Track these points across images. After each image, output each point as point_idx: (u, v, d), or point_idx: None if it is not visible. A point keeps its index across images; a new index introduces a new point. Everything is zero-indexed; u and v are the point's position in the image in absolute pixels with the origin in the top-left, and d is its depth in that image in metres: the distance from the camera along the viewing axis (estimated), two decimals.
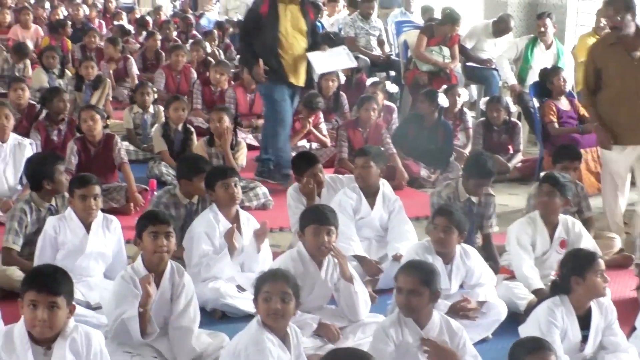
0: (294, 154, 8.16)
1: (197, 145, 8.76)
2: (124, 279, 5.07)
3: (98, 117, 8.24)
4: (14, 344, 4.13)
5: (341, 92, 11.14)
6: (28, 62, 12.57)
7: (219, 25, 16.30)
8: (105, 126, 8.45)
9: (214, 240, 6.12)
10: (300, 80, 9.22)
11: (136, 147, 9.99)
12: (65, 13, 17.30)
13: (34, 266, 5.46)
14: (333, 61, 9.50)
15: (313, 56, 9.14)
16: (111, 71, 12.76)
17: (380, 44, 13.62)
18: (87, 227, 5.96)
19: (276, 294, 4.44)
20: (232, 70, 12.65)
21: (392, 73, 13.42)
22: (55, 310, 4.07)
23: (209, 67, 12.21)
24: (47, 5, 18.40)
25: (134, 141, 10.05)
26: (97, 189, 5.93)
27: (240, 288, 6.00)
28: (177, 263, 5.25)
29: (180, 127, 9.30)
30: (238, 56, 13.49)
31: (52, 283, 4.12)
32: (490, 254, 6.74)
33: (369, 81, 11.07)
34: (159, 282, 5.09)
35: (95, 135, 8.20)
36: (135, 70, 13.06)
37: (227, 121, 8.65)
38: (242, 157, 8.86)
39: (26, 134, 8.65)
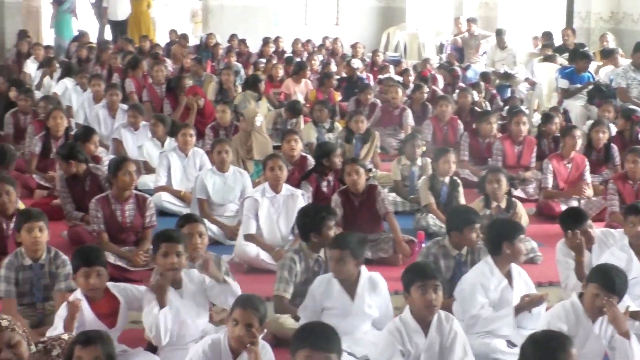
0: None
1: (475, 203, 8.50)
2: (391, 332, 5.12)
3: (362, 170, 8.36)
4: None
5: (612, 144, 10.79)
6: (301, 117, 12.97)
7: (484, 76, 16.24)
8: (368, 178, 8.54)
9: (488, 293, 6.06)
10: None
11: (403, 198, 10.06)
12: (335, 68, 17.76)
13: (305, 323, 5.56)
14: None
15: None
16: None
17: None
18: (352, 293, 6.03)
19: None
20: (499, 121, 12.53)
21: None
22: None
23: (476, 117, 12.14)
24: (319, 58, 18.98)
25: (401, 192, 10.12)
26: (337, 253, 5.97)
27: (511, 344, 5.89)
28: (444, 312, 5.25)
29: (447, 179, 9.29)
30: (506, 107, 13.37)
31: (326, 342, 4.25)
32: None
33: None
34: (427, 332, 5.12)
35: (358, 187, 8.33)
36: (410, 121, 13.15)
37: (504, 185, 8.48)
38: (524, 217, 8.63)
39: (297, 185, 8.91)
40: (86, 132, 9.95)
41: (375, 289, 6.10)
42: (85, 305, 5.64)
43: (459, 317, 5.89)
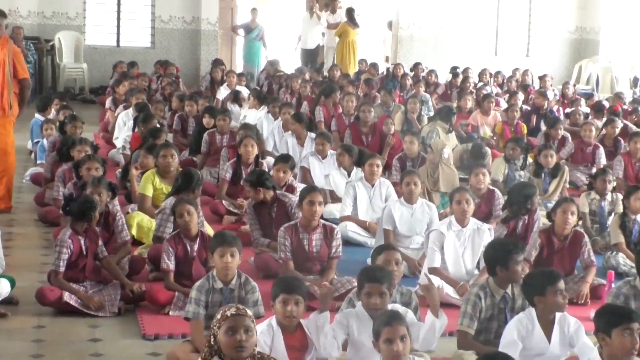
0: None
1: None
2: None
3: (575, 215, 8.22)
4: None
5: None
6: (489, 152, 12.83)
7: None
8: (576, 225, 8.37)
9: None
10: None
11: (589, 234, 9.79)
12: (522, 98, 17.50)
13: (485, 353, 5.51)
14: None
15: None
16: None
17: None
18: (549, 333, 5.95)
19: None
20: None
21: None
22: None
23: None
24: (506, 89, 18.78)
25: (587, 227, 9.84)
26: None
27: None
28: None
29: (639, 217, 9.00)
30: None
31: None
32: None
33: None
34: None
35: (565, 232, 8.20)
36: (603, 160, 12.86)
37: None
38: None
39: (483, 219, 8.81)
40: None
41: (569, 328, 6.01)
42: (278, 334, 5.74)
43: None
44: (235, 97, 16.66)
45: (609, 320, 5.08)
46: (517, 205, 8.93)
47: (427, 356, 6.08)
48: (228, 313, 4.87)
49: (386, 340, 5.05)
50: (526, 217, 9.00)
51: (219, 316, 4.91)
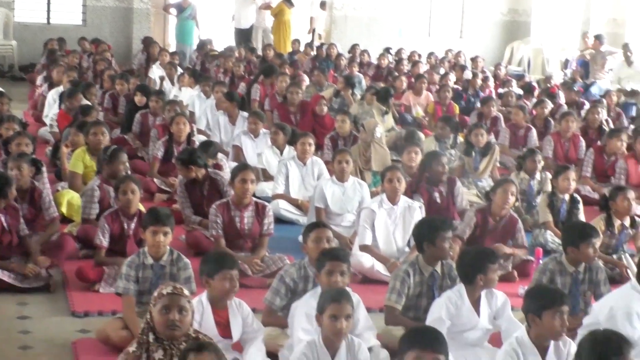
0: None
1: (595, 221, 8.28)
2: (507, 354, 5.11)
3: (513, 196, 8.33)
4: None
5: None
6: (420, 134, 12.87)
7: (608, 93, 15.92)
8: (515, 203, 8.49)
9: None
10: None
11: (518, 213, 9.91)
12: (454, 79, 17.64)
13: (412, 327, 5.57)
14: None
15: None
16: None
17: None
18: (477, 308, 6.01)
19: None
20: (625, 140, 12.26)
21: None
22: None
23: (603, 135, 11.90)
24: (442, 71, 18.89)
25: (516, 208, 9.95)
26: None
27: None
28: None
29: (567, 196, 9.14)
30: (632, 126, 13.09)
31: (435, 342, 4.27)
32: None
33: None
34: (543, 356, 5.04)
35: (503, 213, 8.27)
36: (535, 141, 12.95)
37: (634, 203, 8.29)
38: None
39: (409, 197, 8.88)
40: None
41: (496, 302, 6.08)
42: (208, 310, 5.72)
43: None
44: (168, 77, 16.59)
45: (540, 302, 5.11)
46: (429, 173, 9.07)
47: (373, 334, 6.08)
48: (164, 292, 4.86)
49: (331, 316, 5.05)
50: (443, 188, 9.11)
51: (155, 294, 4.90)
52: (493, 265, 6.04)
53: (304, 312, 5.68)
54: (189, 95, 14.95)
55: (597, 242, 6.78)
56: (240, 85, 15.94)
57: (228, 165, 10.47)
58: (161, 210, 6.70)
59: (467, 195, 9.86)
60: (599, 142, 11.75)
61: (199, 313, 5.61)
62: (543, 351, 5.13)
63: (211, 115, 13.09)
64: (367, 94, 14.49)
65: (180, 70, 17.19)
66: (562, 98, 15.97)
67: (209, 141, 10.70)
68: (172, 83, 16.35)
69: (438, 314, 5.94)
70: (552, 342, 5.12)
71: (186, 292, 4.95)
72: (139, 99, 12.95)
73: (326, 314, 5.07)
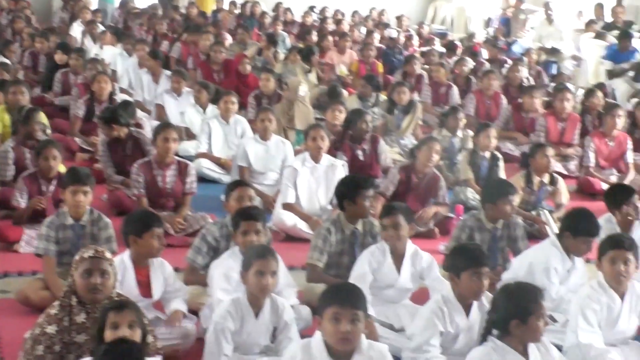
0: None
1: (515, 178, 8.42)
2: (433, 311, 5.16)
3: (437, 152, 8.39)
4: (312, 357, 4.31)
5: None
6: (344, 91, 12.89)
7: (528, 52, 16.11)
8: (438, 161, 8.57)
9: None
10: None
11: (440, 171, 10.00)
12: (379, 37, 17.68)
13: (332, 284, 5.59)
14: None
15: None
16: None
17: None
18: (399, 266, 6.06)
19: None
20: (545, 98, 12.44)
21: None
22: (357, 323, 4.23)
23: (522, 93, 12.04)
24: (364, 30, 18.90)
25: (439, 166, 10.05)
26: None
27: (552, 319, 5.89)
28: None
29: (487, 154, 9.25)
30: (552, 83, 13.26)
31: (353, 298, 4.29)
32: None
33: None
34: (468, 312, 5.14)
35: (426, 170, 8.36)
36: (457, 99, 13.06)
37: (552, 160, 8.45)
38: (565, 194, 8.60)
39: (332, 155, 8.92)
40: None
41: (421, 263, 6.11)
42: (130, 270, 5.70)
43: None
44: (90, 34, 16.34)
45: (460, 262, 5.15)
46: (352, 131, 9.12)
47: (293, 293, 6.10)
48: (85, 255, 4.82)
49: (257, 273, 5.02)
50: (366, 146, 9.17)
51: (77, 257, 4.86)
52: (366, 191, 6.33)
53: (222, 272, 5.67)
54: (111, 54, 14.76)
55: (515, 199, 6.92)
56: (163, 44, 15.81)
57: (150, 124, 10.39)
58: (81, 170, 6.64)
59: (390, 154, 9.93)
60: (519, 100, 11.87)
61: (121, 272, 5.56)
62: (467, 308, 5.19)
63: (134, 73, 12.95)
64: (291, 53, 14.46)
65: (102, 28, 16.94)
66: (484, 56, 16.11)
67: (127, 100, 10.59)
68: (94, 41, 16.12)
69: (362, 269, 5.98)
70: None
71: (108, 255, 4.91)
72: (59, 57, 12.77)
73: (251, 270, 5.04)
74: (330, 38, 16.49)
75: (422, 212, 8.14)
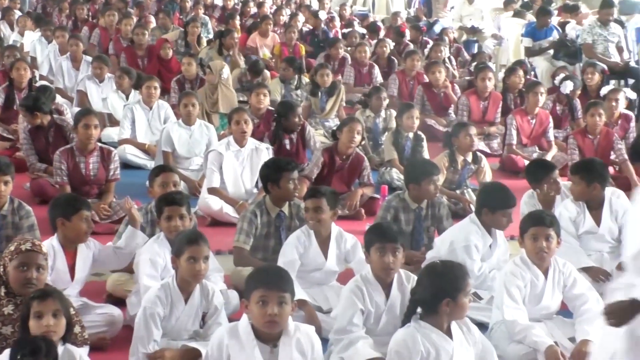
0: None
1: (439, 158, 8.47)
2: (352, 291, 5.17)
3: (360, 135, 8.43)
4: (240, 341, 4.31)
5: (576, 99, 10.87)
6: (267, 73, 12.87)
7: (445, 30, 16.23)
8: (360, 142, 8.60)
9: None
10: None
11: (364, 152, 10.06)
12: (302, 19, 17.66)
13: (257, 267, 5.60)
14: None
15: None
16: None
17: (619, 50, 13.23)
18: (325, 251, 6.08)
19: None
20: (467, 78, 12.57)
21: (631, 81, 12.99)
22: (284, 306, 4.24)
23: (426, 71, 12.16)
24: (287, 13, 18.86)
25: (363, 146, 10.09)
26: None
27: (477, 296, 5.99)
28: (405, 272, 5.29)
29: (411, 134, 9.32)
30: (474, 63, 13.39)
31: (280, 280, 4.31)
32: None
33: (606, 89, 10.68)
34: (388, 292, 5.18)
35: (349, 151, 8.40)
36: (379, 78, 13.11)
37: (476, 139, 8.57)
38: (488, 172, 8.69)
39: (261, 139, 8.92)
40: None
41: (346, 245, 6.13)
42: (60, 254, 5.64)
43: None
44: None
45: (370, 239, 5.20)
46: (285, 124, 9.11)
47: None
48: (22, 247, 4.76)
49: (189, 259, 5.00)
50: (294, 135, 9.20)
51: (12, 248, 4.80)
52: (289, 173, 6.42)
53: (147, 258, 5.64)
54: (30, 40, 14.54)
55: (438, 178, 6.99)
56: (84, 29, 15.58)
57: (72, 111, 10.27)
58: (1, 159, 6.54)
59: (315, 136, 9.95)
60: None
61: (51, 257, 5.50)
62: (387, 287, 5.21)
63: (54, 60, 12.78)
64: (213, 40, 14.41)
65: (19, 13, 16.66)
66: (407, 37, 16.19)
67: (45, 85, 10.46)
68: (12, 28, 15.84)
69: (290, 256, 5.98)
70: (395, 278, 5.20)
71: (44, 249, 4.87)
72: None
73: (183, 256, 5.02)
74: (251, 21, 16.40)
75: (348, 199, 8.18)
